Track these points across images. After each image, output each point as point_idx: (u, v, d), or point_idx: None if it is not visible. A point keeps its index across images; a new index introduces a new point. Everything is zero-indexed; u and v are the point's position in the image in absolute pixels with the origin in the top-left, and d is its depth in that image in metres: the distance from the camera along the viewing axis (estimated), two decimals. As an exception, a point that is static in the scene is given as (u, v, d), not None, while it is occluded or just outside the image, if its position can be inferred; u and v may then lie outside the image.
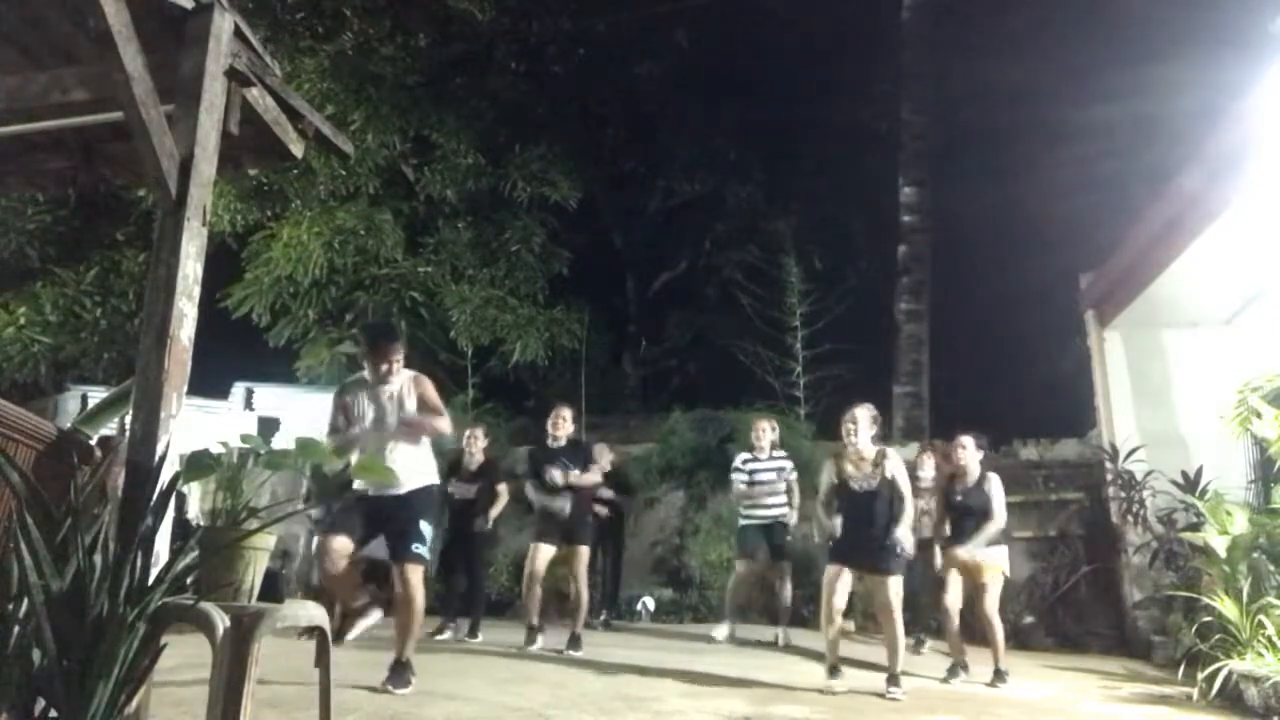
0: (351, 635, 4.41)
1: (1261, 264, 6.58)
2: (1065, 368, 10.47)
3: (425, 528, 4.42)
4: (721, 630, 7.14)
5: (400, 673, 4.32)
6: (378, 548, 4.75)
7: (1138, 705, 4.97)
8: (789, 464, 7.22)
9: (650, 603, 8.76)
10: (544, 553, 6.32)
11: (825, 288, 12.30)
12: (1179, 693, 5.22)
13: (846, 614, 5.69)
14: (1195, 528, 6.07)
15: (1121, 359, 8.27)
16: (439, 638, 6.79)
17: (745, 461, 7.25)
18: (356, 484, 4.51)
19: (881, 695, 4.89)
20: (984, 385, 12.50)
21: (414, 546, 4.35)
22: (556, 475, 6.28)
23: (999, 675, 5.46)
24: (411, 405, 4.50)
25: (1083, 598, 8.01)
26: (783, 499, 7.14)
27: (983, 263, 13.06)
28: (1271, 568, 5.32)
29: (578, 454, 6.53)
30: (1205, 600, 5.41)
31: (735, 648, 6.84)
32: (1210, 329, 7.82)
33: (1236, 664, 4.92)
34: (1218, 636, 5.21)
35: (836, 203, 14.66)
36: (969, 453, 5.82)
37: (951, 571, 5.76)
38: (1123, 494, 7.71)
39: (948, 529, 5.88)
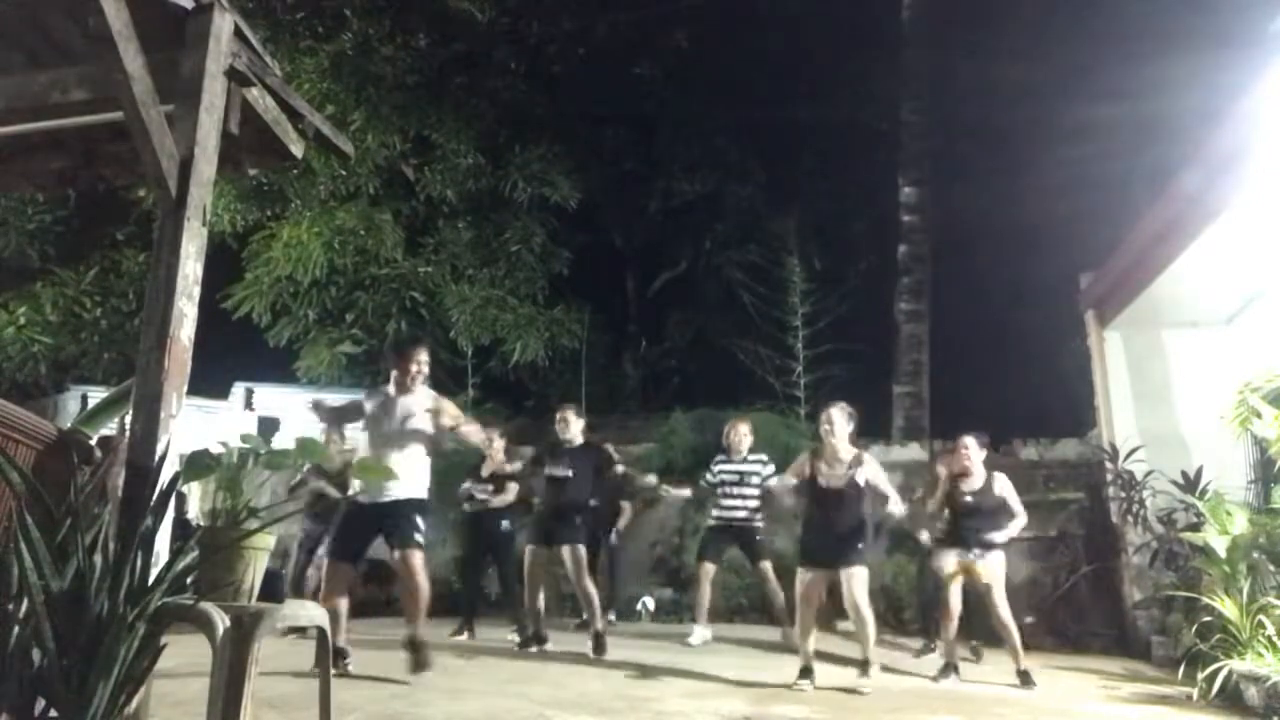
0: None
1: (1261, 264, 6.56)
2: (1065, 368, 10.45)
3: (420, 521, 4.63)
4: (698, 634, 6.89)
5: (421, 652, 4.47)
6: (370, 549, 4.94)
7: (1138, 705, 4.97)
8: (766, 468, 6.94)
9: (650, 603, 8.75)
10: (533, 554, 6.40)
11: (825, 287, 12.29)
12: (1179, 693, 5.22)
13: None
14: (1195, 528, 6.06)
15: (1121, 359, 8.26)
16: (455, 639, 6.79)
17: (716, 462, 7.22)
18: (353, 490, 4.60)
19: (854, 691, 4.90)
20: (984, 385, 12.48)
21: (412, 534, 4.56)
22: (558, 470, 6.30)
23: (1024, 676, 5.44)
24: (423, 421, 4.69)
25: (1083, 598, 8.00)
26: (749, 502, 6.94)
27: (983, 263, 13.06)
28: (1271, 568, 5.32)
29: (586, 455, 6.46)
30: (1205, 600, 5.41)
31: (735, 647, 6.81)
32: (1210, 329, 7.80)
33: (1236, 664, 4.92)
34: (1218, 636, 5.21)
35: (836, 203, 14.65)
36: (973, 452, 5.79)
37: (954, 574, 5.74)
38: (1123, 494, 7.69)
39: (944, 528, 5.90)
